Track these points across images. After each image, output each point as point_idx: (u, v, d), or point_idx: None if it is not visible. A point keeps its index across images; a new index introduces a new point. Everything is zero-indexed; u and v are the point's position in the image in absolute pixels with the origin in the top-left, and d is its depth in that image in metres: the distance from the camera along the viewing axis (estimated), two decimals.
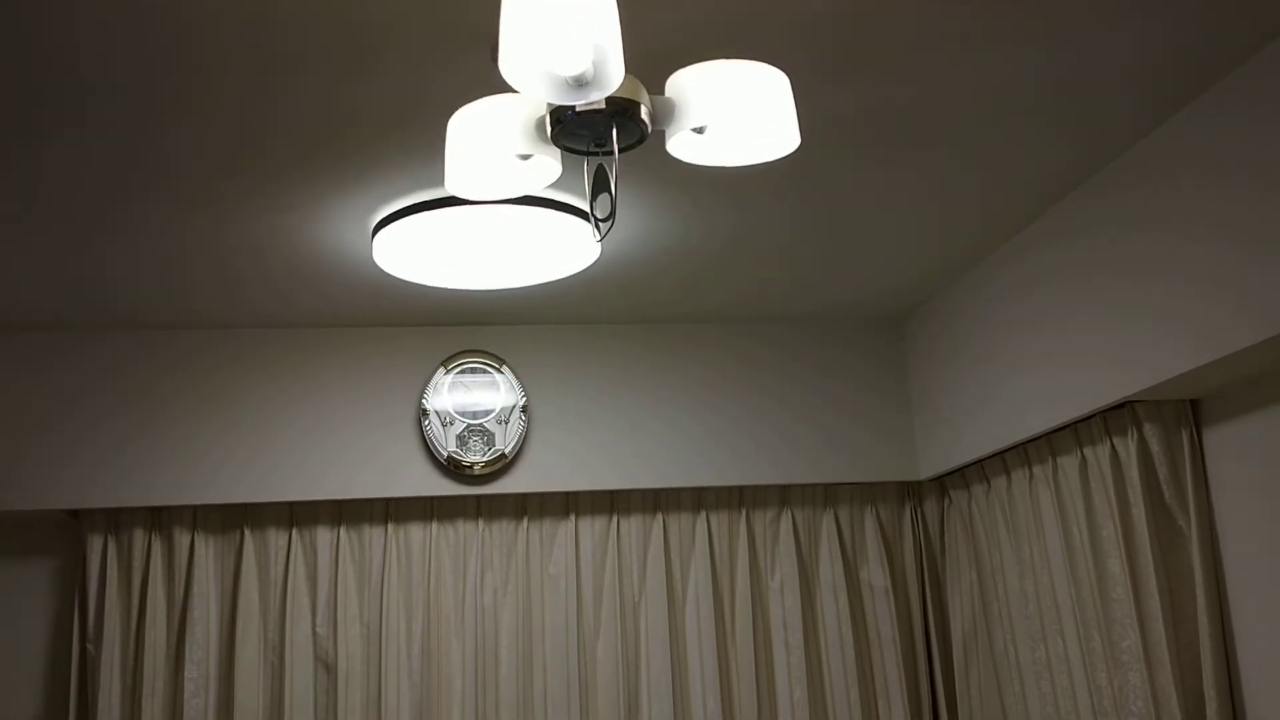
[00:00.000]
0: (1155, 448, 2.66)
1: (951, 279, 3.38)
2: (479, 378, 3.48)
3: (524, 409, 3.46)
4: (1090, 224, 2.72)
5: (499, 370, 3.49)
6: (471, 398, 3.45)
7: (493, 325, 3.54)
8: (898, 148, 2.49)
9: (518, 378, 3.49)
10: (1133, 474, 2.69)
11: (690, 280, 3.25)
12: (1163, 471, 2.66)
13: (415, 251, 2.77)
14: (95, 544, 3.28)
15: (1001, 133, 2.45)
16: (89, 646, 3.23)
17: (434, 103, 2.18)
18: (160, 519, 3.33)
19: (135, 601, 3.26)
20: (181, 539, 3.32)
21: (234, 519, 3.38)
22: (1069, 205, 2.81)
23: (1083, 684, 2.89)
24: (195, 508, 3.34)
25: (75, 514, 3.33)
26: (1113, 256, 2.64)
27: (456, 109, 2.15)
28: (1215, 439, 2.62)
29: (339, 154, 2.37)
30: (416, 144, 2.36)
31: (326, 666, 3.32)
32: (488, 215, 2.62)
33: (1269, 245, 2.17)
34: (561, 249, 2.78)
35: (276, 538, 3.38)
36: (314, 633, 3.33)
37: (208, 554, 3.33)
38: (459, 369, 3.47)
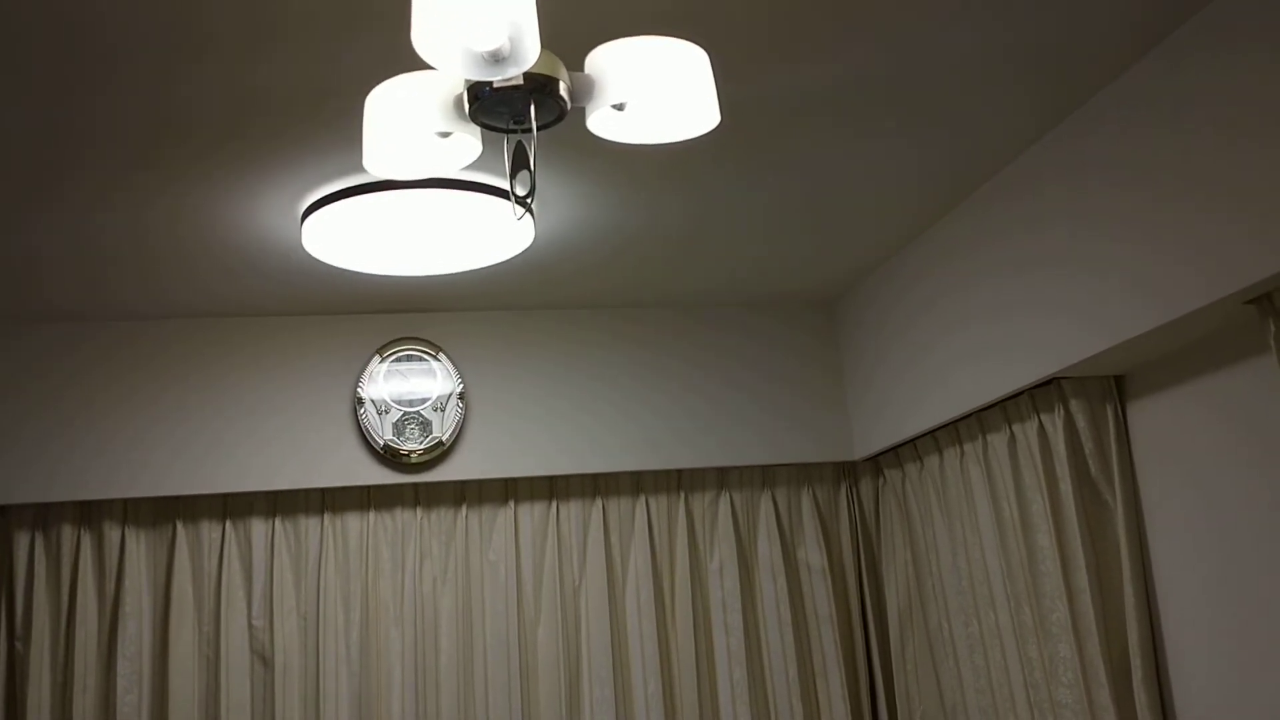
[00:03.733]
0: (1081, 423, 2.71)
1: (881, 261, 3.41)
2: (415, 365, 3.45)
3: (461, 396, 3.45)
4: (1021, 201, 2.76)
5: (435, 357, 3.47)
6: (408, 385, 3.42)
7: (428, 312, 3.52)
8: (830, 131, 2.50)
9: (454, 364, 3.47)
10: (1060, 449, 2.74)
11: (623, 266, 3.25)
12: (1089, 447, 2.70)
13: (346, 237, 2.74)
14: (22, 540, 3.21)
15: (932, 115, 2.46)
16: (17, 644, 3.16)
17: (359, 84, 2.16)
18: (90, 513, 3.27)
19: (65, 597, 3.21)
20: (112, 533, 3.26)
21: (166, 512, 3.33)
22: (996, 188, 2.84)
23: (1014, 656, 2.94)
24: (126, 501, 3.29)
25: (1, 510, 3.27)
26: (1044, 233, 2.67)
27: None
28: (1139, 414, 2.67)
29: (264, 138, 2.34)
30: (343, 127, 2.33)
31: (263, 659, 3.28)
32: (419, 200, 2.60)
33: (1206, 207, 2.21)
34: (495, 234, 2.77)
35: (210, 530, 3.34)
36: (250, 625, 3.30)
37: (139, 548, 3.28)
38: (394, 356, 3.45)
